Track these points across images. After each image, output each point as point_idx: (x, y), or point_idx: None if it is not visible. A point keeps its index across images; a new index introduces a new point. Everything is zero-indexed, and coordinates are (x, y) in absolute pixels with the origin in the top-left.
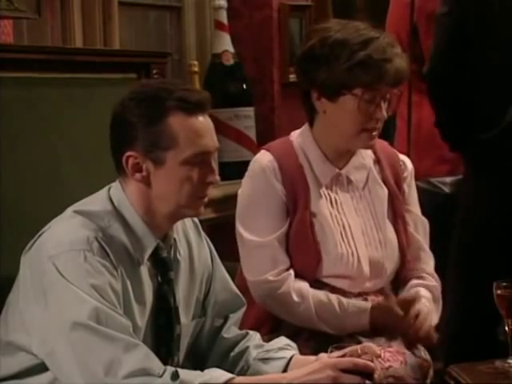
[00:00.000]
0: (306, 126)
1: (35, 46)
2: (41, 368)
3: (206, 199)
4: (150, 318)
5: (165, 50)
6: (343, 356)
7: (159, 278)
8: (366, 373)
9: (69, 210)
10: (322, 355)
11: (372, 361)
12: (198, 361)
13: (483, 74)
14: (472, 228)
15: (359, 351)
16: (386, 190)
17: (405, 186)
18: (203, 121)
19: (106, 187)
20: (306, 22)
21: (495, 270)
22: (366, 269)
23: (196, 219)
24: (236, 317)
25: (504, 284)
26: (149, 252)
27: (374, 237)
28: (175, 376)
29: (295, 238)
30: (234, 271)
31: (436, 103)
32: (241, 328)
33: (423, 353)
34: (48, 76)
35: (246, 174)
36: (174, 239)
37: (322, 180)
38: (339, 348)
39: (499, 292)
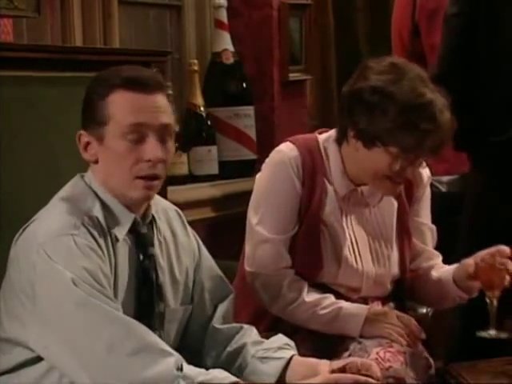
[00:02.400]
0: (333, 133)
1: (35, 45)
2: (37, 359)
3: (153, 183)
4: (132, 294)
5: (165, 49)
6: (344, 366)
7: (140, 255)
8: None
9: (53, 200)
10: (324, 362)
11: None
12: (193, 355)
13: (493, 75)
14: (480, 227)
15: (359, 366)
16: (395, 206)
17: (417, 199)
18: (146, 98)
19: (79, 174)
20: (306, 21)
21: None
22: (369, 282)
23: (179, 211)
24: (225, 306)
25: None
26: (126, 228)
27: (382, 254)
28: (180, 367)
29: (302, 241)
30: (233, 270)
31: None
32: (237, 323)
33: (424, 352)
34: (48, 75)
35: (268, 161)
36: (153, 216)
37: (339, 191)
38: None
39: (482, 264)
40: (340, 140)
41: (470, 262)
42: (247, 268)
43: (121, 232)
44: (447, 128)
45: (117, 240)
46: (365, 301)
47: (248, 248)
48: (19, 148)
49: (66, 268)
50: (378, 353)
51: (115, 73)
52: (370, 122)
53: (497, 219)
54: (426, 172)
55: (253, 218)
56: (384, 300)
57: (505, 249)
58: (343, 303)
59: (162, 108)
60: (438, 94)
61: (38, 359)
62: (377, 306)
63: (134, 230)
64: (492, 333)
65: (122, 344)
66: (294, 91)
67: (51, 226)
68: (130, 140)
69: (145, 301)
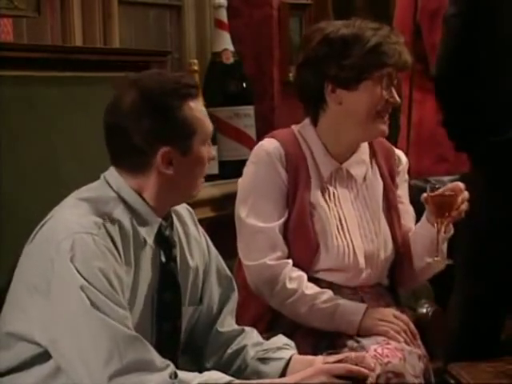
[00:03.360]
0: (307, 121)
1: (35, 45)
2: (44, 357)
3: None
4: (155, 297)
5: (165, 49)
6: (339, 360)
7: (162, 257)
8: (359, 379)
9: (70, 199)
10: (320, 357)
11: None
12: (194, 356)
13: (492, 75)
14: (480, 227)
15: (354, 358)
16: (381, 184)
17: (398, 180)
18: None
19: (101, 176)
20: (306, 21)
21: (500, 272)
22: (362, 261)
23: (190, 209)
24: (230, 307)
25: (437, 186)
26: (155, 230)
27: (369, 230)
28: (174, 375)
29: (294, 228)
30: (233, 270)
31: (444, 104)
32: (238, 324)
33: (422, 349)
34: (48, 75)
35: (250, 160)
36: (171, 217)
37: (323, 173)
38: (333, 354)
39: (431, 194)
40: (315, 117)
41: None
42: (244, 262)
43: (149, 235)
44: (403, 45)
45: (145, 243)
46: (362, 299)
47: (242, 242)
48: (19, 148)
49: (79, 268)
50: (375, 350)
51: (174, 81)
52: (341, 63)
53: (497, 219)
54: (403, 155)
55: (242, 211)
56: (379, 294)
57: (461, 185)
58: (341, 300)
59: None
60: (382, 24)
61: (45, 358)
62: (373, 303)
63: (158, 233)
64: (437, 259)
65: (118, 360)
66: (294, 91)
67: (72, 224)
68: (206, 145)
69: (168, 302)
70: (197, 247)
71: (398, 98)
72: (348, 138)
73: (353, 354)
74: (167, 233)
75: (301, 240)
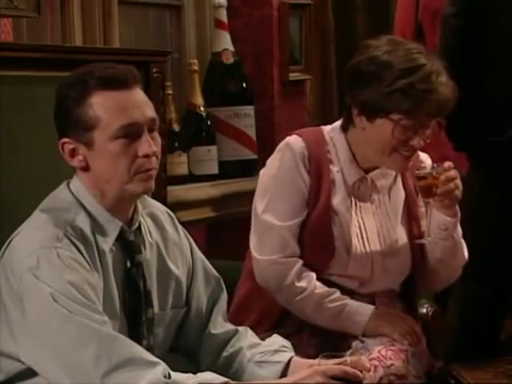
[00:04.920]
0: (338, 124)
1: (35, 45)
2: (31, 373)
3: (151, 173)
4: (120, 303)
5: (165, 49)
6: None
7: (128, 263)
8: (354, 381)
9: (35, 211)
10: (317, 361)
11: (361, 372)
12: (189, 360)
13: (491, 75)
14: (479, 227)
15: (349, 362)
16: (403, 195)
17: None
18: (128, 95)
19: (66, 181)
20: (306, 21)
21: (499, 272)
22: (378, 272)
23: (171, 212)
24: (220, 307)
25: (423, 166)
26: (113, 237)
27: (390, 242)
28: (168, 376)
29: (312, 230)
30: (233, 270)
31: None
32: (242, 324)
33: (426, 351)
34: (48, 75)
35: (275, 154)
36: (140, 222)
37: (348, 180)
38: (329, 357)
39: (416, 173)
40: (346, 125)
41: None
42: (255, 255)
43: (107, 243)
44: (445, 90)
45: (103, 251)
46: (373, 300)
47: (254, 236)
48: (19, 148)
49: (48, 283)
50: (379, 351)
51: (87, 74)
52: (369, 92)
53: (496, 219)
54: (427, 159)
55: (259, 205)
56: (391, 299)
57: (446, 164)
58: (349, 300)
59: (144, 102)
60: (435, 60)
61: (33, 373)
62: (384, 305)
63: (121, 238)
64: (429, 239)
65: (107, 359)
66: (294, 91)
67: (33, 240)
68: (124, 140)
69: (133, 308)
70: (177, 251)
71: (420, 143)
72: (370, 158)
73: (348, 360)
74: (131, 238)
75: (317, 243)
